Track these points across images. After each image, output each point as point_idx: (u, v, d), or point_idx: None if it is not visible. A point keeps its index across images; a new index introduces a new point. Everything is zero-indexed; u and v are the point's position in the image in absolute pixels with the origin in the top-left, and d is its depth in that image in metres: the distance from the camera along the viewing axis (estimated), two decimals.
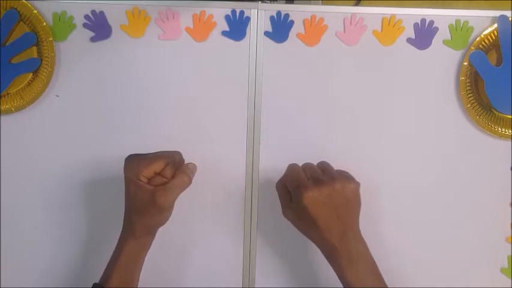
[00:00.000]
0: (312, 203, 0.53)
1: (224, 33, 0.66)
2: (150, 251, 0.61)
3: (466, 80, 0.66)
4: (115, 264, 0.57)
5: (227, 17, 0.65)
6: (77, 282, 0.68)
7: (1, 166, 0.67)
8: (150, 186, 0.55)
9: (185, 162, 0.62)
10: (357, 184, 0.56)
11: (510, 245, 0.68)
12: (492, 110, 0.66)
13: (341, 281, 0.54)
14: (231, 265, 0.68)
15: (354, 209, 0.56)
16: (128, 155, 0.58)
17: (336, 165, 0.59)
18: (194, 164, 0.60)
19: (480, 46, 0.65)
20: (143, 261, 0.60)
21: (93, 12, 0.65)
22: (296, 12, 0.65)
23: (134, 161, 0.57)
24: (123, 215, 0.59)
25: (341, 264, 0.54)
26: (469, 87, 0.66)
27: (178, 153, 0.61)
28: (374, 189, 0.67)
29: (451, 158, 0.67)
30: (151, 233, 0.60)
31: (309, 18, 0.65)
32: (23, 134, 0.67)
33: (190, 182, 0.58)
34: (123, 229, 0.59)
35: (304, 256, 0.68)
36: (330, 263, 0.56)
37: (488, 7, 0.68)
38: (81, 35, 0.66)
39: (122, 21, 0.65)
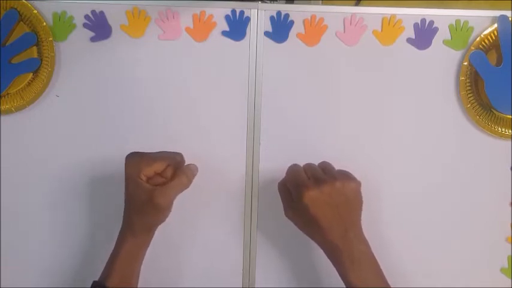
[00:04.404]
0: (313, 202, 0.53)
1: (224, 33, 0.66)
2: (150, 250, 0.61)
3: (466, 80, 0.66)
4: (114, 262, 0.58)
5: (227, 17, 0.65)
6: (77, 280, 0.68)
7: (1, 166, 0.67)
8: (148, 186, 0.56)
9: (186, 163, 0.62)
10: (358, 183, 0.56)
11: (510, 245, 0.68)
12: (492, 110, 0.66)
13: (343, 281, 0.54)
14: (231, 265, 0.68)
15: (355, 208, 0.56)
16: (127, 155, 0.58)
17: (336, 165, 0.59)
18: (195, 165, 0.61)
19: (480, 46, 0.65)
20: (143, 259, 0.60)
21: (93, 12, 0.65)
22: (296, 12, 0.65)
23: (135, 159, 0.57)
24: (123, 213, 0.60)
25: (343, 263, 0.54)
26: (469, 87, 0.66)
27: (179, 155, 0.61)
28: (374, 189, 0.67)
29: (451, 158, 0.67)
30: (149, 231, 0.60)
31: (309, 18, 0.65)
32: (23, 134, 0.67)
33: (189, 183, 0.58)
34: (122, 227, 0.59)
35: (305, 256, 0.68)
36: (332, 263, 0.56)
37: (488, 7, 0.67)
38: (81, 35, 0.66)
39: (122, 21, 0.65)
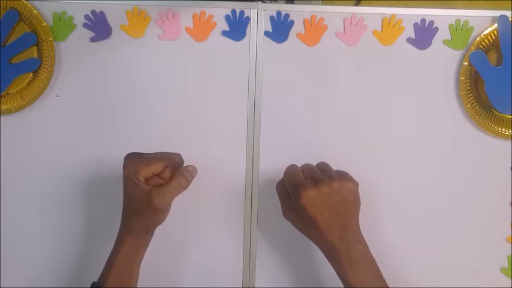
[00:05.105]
0: (310, 202, 0.53)
1: (224, 33, 0.66)
2: (150, 250, 0.61)
3: (466, 80, 0.66)
4: (113, 263, 0.58)
5: (227, 17, 0.65)
6: (76, 281, 0.68)
7: (1, 166, 0.67)
8: (146, 186, 0.55)
9: (185, 164, 0.62)
10: (356, 183, 0.56)
11: (510, 245, 0.68)
12: (492, 110, 0.66)
13: (342, 281, 0.54)
14: (231, 265, 0.68)
15: (353, 208, 0.56)
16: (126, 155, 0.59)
17: (336, 165, 0.59)
18: (194, 167, 0.60)
19: (480, 46, 0.65)
20: (141, 260, 0.60)
21: (93, 12, 0.65)
22: (296, 12, 0.65)
23: (134, 160, 0.57)
24: (122, 213, 0.59)
25: (341, 264, 0.54)
26: (469, 87, 0.66)
27: (178, 156, 0.61)
28: (374, 189, 0.67)
29: (451, 158, 0.67)
30: (148, 232, 0.60)
31: (309, 18, 0.65)
32: (23, 134, 0.67)
33: (188, 184, 0.58)
34: (120, 227, 0.59)
35: (305, 256, 0.68)
36: (331, 263, 0.56)
37: (488, 7, 0.67)
38: (81, 35, 0.66)
39: (122, 21, 0.65)
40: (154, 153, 0.59)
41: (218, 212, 0.68)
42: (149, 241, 0.60)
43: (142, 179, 0.56)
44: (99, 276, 0.59)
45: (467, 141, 0.67)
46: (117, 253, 0.58)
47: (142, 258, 0.60)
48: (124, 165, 0.57)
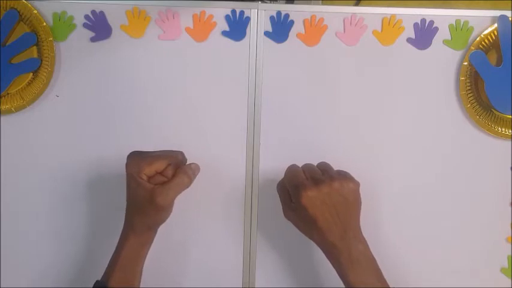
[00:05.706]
0: (311, 202, 0.53)
1: (224, 33, 0.66)
2: (150, 250, 0.61)
3: (466, 80, 0.66)
4: (116, 262, 0.58)
5: (227, 17, 0.65)
6: (79, 280, 0.68)
7: (1, 166, 0.67)
8: (149, 185, 0.55)
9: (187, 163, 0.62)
10: (357, 183, 0.56)
11: (510, 245, 0.68)
12: (492, 110, 0.66)
13: (342, 281, 0.54)
14: (231, 265, 0.68)
15: (353, 208, 0.56)
16: (128, 153, 0.58)
17: (336, 165, 0.59)
18: (197, 165, 0.60)
19: (480, 46, 0.65)
20: (145, 258, 0.60)
21: (93, 12, 0.65)
22: (296, 12, 0.65)
23: (136, 158, 0.57)
24: (125, 212, 0.59)
25: (342, 263, 0.54)
26: (469, 87, 0.66)
27: (181, 154, 0.61)
28: (374, 189, 0.67)
29: (451, 158, 0.67)
30: (151, 231, 0.60)
31: (309, 18, 0.65)
32: (23, 134, 0.67)
33: (190, 182, 0.58)
34: (124, 226, 0.59)
35: (305, 256, 0.68)
36: (331, 263, 0.56)
37: (488, 7, 0.68)
38: (81, 35, 0.66)
39: (122, 21, 0.65)
40: (157, 151, 0.59)
41: (218, 212, 0.68)
42: (153, 239, 0.61)
43: (145, 177, 0.56)
44: (102, 275, 0.59)
45: (467, 141, 0.67)
46: (121, 251, 0.58)
47: (145, 256, 0.60)
48: (127, 164, 0.57)
